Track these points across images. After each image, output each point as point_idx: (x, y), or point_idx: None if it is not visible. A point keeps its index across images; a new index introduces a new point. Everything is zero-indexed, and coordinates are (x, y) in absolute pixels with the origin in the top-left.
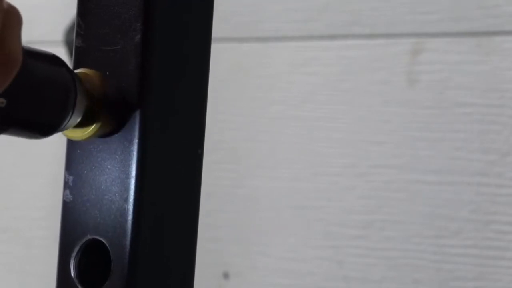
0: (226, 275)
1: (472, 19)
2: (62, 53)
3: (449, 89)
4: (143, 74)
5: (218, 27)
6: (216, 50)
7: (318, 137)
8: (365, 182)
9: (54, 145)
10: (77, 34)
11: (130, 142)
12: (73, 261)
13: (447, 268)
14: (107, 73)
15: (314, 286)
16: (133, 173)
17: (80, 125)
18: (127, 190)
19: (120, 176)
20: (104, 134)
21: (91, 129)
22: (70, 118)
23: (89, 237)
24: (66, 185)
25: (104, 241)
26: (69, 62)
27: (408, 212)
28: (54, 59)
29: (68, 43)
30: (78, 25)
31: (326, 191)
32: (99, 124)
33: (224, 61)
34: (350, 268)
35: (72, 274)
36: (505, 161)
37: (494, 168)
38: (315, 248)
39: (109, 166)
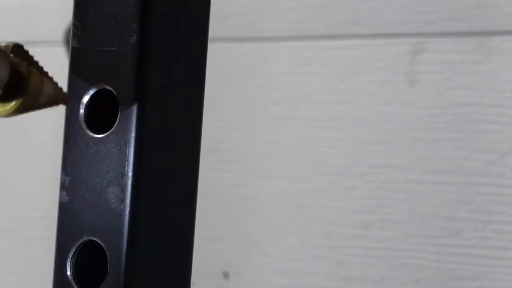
0: (226, 275)
1: (472, 19)
2: (62, 53)
3: (449, 89)
4: (140, 74)
5: (218, 27)
6: (216, 50)
7: (318, 137)
8: (365, 182)
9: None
10: (74, 35)
11: (126, 143)
12: (69, 262)
13: (447, 268)
14: (104, 74)
15: (314, 286)
16: (130, 174)
17: (4, 99)
18: (123, 191)
19: (117, 177)
20: (29, 109)
21: (13, 103)
22: None
23: (85, 238)
24: (62, 186)
25: (100, 242)
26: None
27: (408, 212)
28: None
29: (68, 42)
30: (75, 26)
31: (326, 191)
32: (20, 100)
33: (223, 61)
34: (350, 268)
35: (69, 275)
36: (505, 161)
37: (494, 168)
38: (315, 248)
39: (105, 167)
